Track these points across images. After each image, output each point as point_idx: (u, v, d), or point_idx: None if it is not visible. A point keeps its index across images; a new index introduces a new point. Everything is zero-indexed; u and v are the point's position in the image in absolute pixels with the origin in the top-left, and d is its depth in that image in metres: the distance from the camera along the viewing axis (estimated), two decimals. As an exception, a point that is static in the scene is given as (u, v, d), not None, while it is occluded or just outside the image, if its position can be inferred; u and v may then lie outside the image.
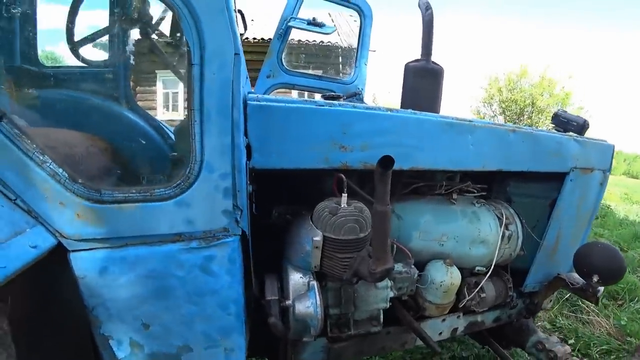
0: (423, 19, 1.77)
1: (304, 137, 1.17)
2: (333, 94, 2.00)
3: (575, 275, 1.82)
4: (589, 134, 1.98)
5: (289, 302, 1.20)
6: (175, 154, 1.74)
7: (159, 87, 11.65)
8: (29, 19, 1.59)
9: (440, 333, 1.72)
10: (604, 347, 2.78)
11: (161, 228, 0.96)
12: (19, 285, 0.78)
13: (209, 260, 1.01)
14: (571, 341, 2.83)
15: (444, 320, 1.71)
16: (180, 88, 12.36)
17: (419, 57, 1.85)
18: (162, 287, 1.00)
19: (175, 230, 0.98)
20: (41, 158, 0.87)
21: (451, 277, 1.55)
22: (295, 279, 1.25)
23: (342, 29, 11.52)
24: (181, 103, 11.93)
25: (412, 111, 1.40)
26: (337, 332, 1.33)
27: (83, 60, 1.87)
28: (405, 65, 1.93)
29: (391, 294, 1.39)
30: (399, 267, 1.46)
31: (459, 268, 1.60)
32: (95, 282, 0.95)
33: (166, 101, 11.85)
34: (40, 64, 1.72)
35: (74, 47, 1.81)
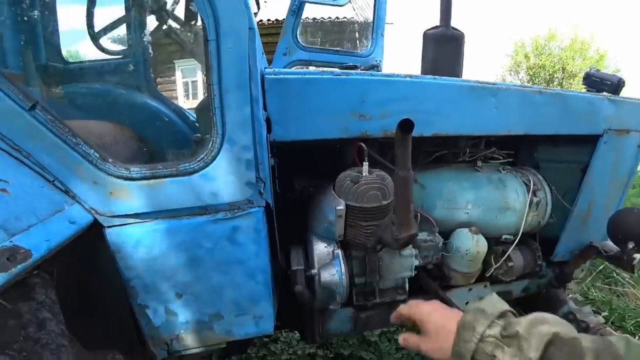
0: None
1: (322, 107, 1.17)
2: (350, 64, 1.96)
3: (610, 243, 1.74)
4: (625, 93, 1.86)
5: (314, 271, 1.23)
6: (199, 135, 1.78)
7: (178, 76, 11.72)
8: (51, 21, 1.67)
9: (467, 302, 1.71)
10: (639, 320, 2.70)
11: (188, 201, 1.00)
12: (63, 260, 0.84)
13: (235, 231, 1.05)
14: (605, 313, 2.74)
15: (470, 289, 1.70)
16: (200, 76, 12.46)
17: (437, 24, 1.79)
18: (192, 258, 1.05)
19: (201, 203, 1.01)
20: (74, 140, 0.92)
21: (477, 245, 1.52)
22: (320, 248, 1.27)
23: (357, 2, 11.14)
24: (201, 90, 12.03)
25: (432, 76, 1.36)
26: (363, 300, 1.36)
27: (104, 50, 1.92)
28: (424, 33, 1.86)
29: (416, 263, 1.39)
30: (423, 235, 1.46)
31: (485, 237, 1.57)
32: (130, 256, 1.01)
33: (186, 90, 11.95)
34: (65, 61, 1.80)
35: (95, 38, 1.86)
